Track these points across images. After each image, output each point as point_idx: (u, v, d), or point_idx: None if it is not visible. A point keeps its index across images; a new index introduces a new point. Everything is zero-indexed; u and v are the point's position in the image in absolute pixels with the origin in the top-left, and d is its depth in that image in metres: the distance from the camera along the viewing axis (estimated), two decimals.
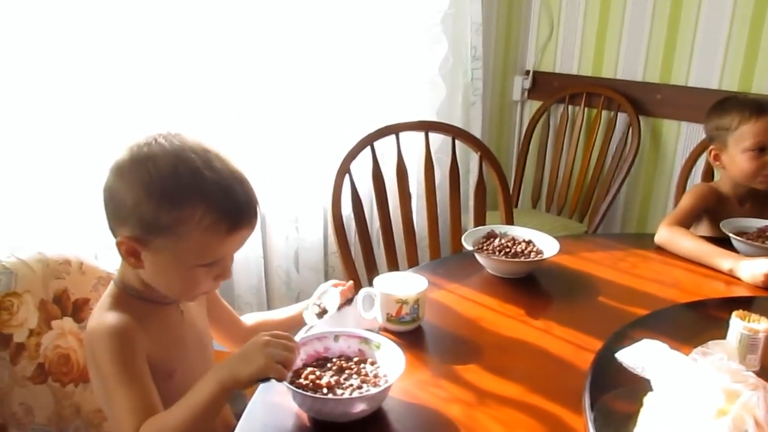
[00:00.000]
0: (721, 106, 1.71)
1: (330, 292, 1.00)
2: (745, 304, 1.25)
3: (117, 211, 0.90)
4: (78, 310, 1.11)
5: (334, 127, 2.10)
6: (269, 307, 2.07)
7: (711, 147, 1.73)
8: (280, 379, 0.82)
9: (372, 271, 1.76)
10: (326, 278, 2.18)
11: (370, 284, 1.74)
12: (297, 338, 1.00)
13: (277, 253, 2.09)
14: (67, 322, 1.09)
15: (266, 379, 0.83)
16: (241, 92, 1.89)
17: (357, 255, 1.72)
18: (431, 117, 2.36)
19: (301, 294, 2.13)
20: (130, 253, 0.91)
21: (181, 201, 0.86)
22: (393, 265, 1.79)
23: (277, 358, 0.82)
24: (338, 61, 2.10)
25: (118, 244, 0.91)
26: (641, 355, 0.82)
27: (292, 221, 2.11)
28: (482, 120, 2.59)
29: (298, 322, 1.20)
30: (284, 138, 2.01)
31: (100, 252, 1.63)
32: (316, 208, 2.14)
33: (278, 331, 0.88)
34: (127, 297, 0.96)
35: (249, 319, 1.21)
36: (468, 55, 2.47)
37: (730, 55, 2.40)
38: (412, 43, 2.27)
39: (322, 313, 0.98)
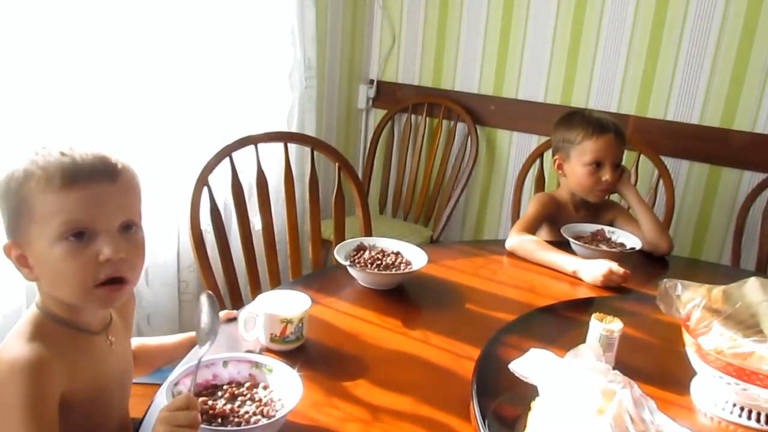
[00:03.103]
0: (568, 121, 1.82)
1: None
2: (589, 305, 1.40)
3: None
4: None
5: (189, 138, 2.01)
6: None
7: (556, 156, 1.85)
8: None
9: (234, 285, 1.71)
10: (179, 294, 2.08)
11: (231, 298, 1.72)
12: (180, 368, 0.95)
13: None
14: None
15: None
16: (85, 108, 1.76)
17: (216, 268, 1.67)
18: (281, 125, 2.36)
19: (151, 313, 2.01)
20: (21, 262, 0.86)
21: (21, 177, 0.84)
22: (254, 278, 1.76)
23: (177, 422, 0.77)
24: (193, 72, 2.03)
25: (7, 255, 0.86)
26: (530, 364, 0.89)
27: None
28: (317, 126, 2.63)
29: (177, 349, 1.14)
30: (132, 151, 1.89)
31: None
32: (169, 222, 2.03)
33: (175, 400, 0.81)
34: (50, 324, 0.86)
35: (132, 342, 1.12)
36: (302, 65, 2.50)
37: (553, 72, 2.65)
38: (268, 52, 2.26)
39: None
